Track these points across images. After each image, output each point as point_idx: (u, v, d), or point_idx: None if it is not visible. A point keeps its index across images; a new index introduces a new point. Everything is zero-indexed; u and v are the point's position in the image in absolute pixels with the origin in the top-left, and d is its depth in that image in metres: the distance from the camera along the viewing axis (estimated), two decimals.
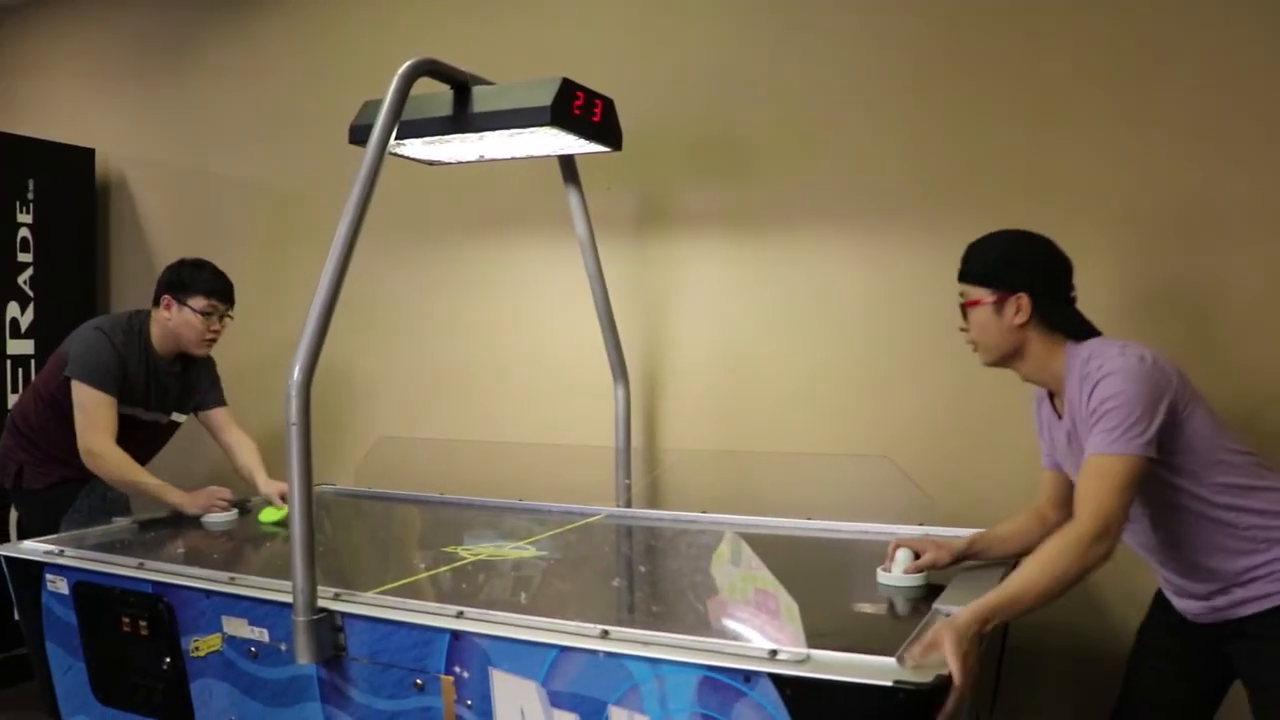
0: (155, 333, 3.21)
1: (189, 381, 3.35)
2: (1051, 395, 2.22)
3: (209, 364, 3.40)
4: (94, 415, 3.04)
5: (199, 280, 3.16)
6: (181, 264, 3.22)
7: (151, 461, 3.34)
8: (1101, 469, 1.94)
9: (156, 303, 3.20)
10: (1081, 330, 2.10)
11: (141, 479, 3.04)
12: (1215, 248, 2.77)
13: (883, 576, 2.26)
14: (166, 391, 3.29)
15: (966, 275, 2.17)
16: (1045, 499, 2.35)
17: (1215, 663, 2.16)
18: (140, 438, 3.24)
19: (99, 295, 4.65)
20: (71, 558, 2.58)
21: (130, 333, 3.18)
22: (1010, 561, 2.33)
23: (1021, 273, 2.10)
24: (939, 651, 1.65)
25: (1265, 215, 2.72)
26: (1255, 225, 2.73)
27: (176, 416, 3.38)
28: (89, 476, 3.10)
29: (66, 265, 4.41)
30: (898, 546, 2.28)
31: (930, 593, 2.17)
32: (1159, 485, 2.02)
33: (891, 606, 2.17)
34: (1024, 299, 2.08)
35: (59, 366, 3.16)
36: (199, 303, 3.15)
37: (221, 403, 3.42)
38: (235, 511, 3.08)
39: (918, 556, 2.25)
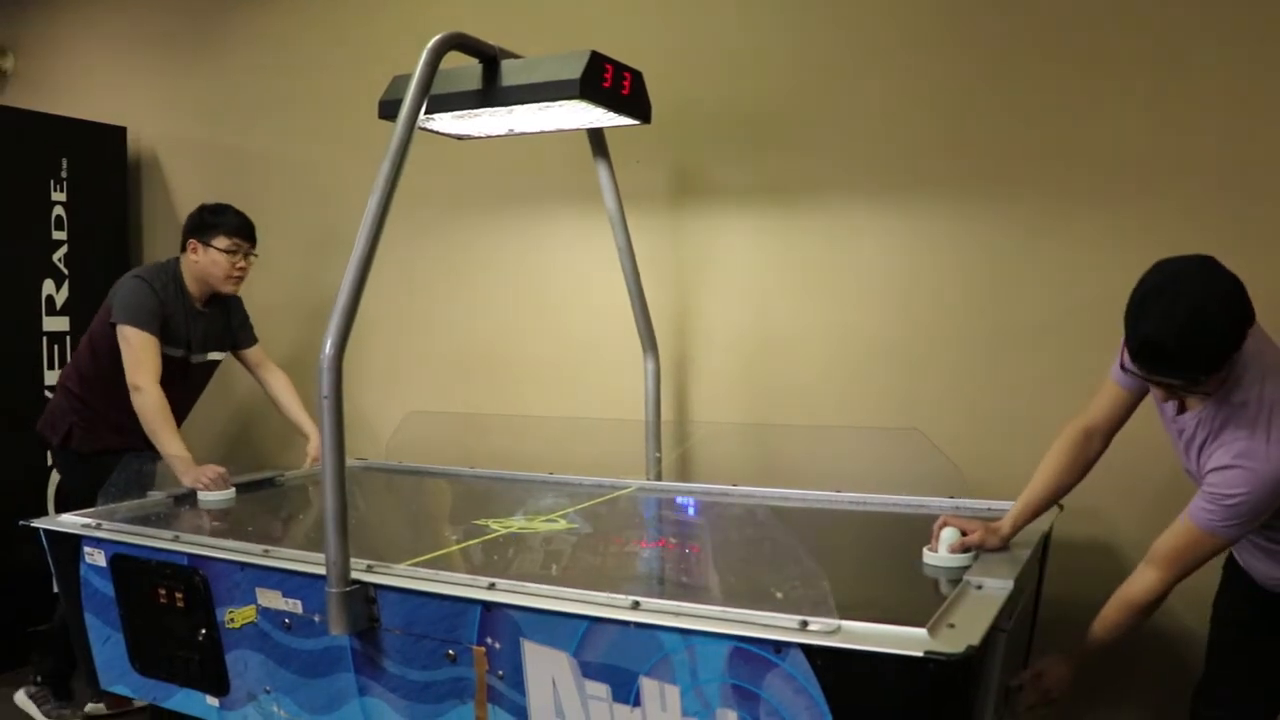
0: (186, 276, 3.36)
1: (223, 321, 3.49)
2: None
3: (238, 304, 3.55)
4: (139, 353, 3.16)
5: (220, 222, 3.32)
6: (202, 209, 3.37)
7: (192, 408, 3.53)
8: (1189, 538, 1.97)
9: (183, 249, 3.35)
10: (1251, 312, 1.91)
11: (163, 434, 3.11)
12: (1258, 202, 2.73)
13: (929, 557, 2.18)
14: (205, 332, 3.41)
15: (1213, 366, 1.87)
16: (1096, 423, 2.24)
17: None
18: (187, 378, 3.41)
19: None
20: (109, 531, 2.62)
21: (166, 278, 3.32)
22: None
23: (1243, 321, 1.87)
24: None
25: None
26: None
27: (214, 355, 3.50)
28: (134, 446, 3.19)
29: (100, 242, 4.45)
30: (943, 525, 2.19)
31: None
32: None
33: (922, 578, 2.15)
34: (1249, 327, 1.89)
35: (105, 319, 3.28)
36: (222, 242, 3.30)
37: (254, 340, 3.60)
38: (232, 491, 3.07)
39: (964, 534, 2.17)
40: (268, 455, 4.05)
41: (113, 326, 3.21)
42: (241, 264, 3.35)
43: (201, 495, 3.03)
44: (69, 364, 3.51)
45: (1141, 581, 2.06)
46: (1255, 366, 1.94)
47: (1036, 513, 2.29)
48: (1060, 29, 2.91)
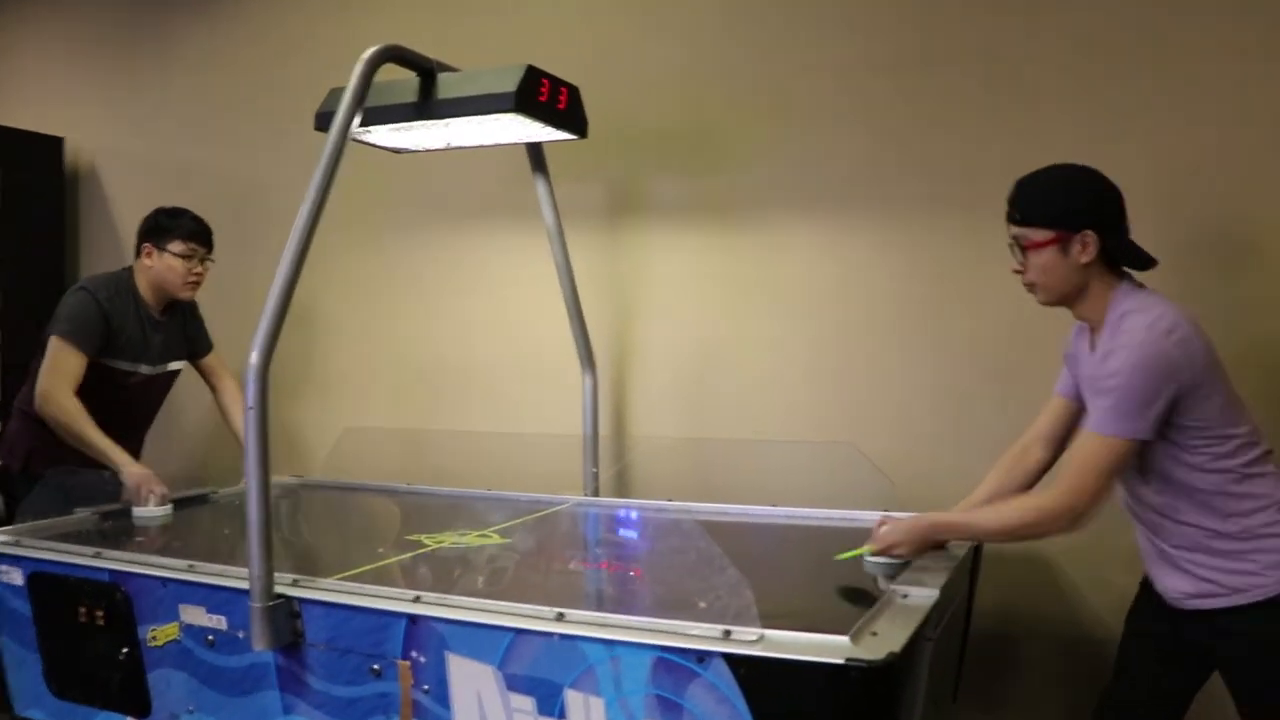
0: (141, 283, 3.28)
1: (180, 329, 3.41)
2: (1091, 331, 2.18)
3: (194, 309, 3.47)
4: (59, 364, 3.07)
5: (176, 226, 3.24)
6: (158, 212, 3.29)
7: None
8: (1089, 447, 2.00)
9: (138, 253, 3.27)
10: (1143, 261, 2.07)
11: (90, 433, 3.02)
12: (1187, 214, 2.78)
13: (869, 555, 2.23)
14: (164, 342, 3.34)
15: (1026, 218, 2.08)
16: (1037, 433, 2.33)
17: (1193, 646, 2.15)
18: (146, 392, 3.34)
19: (69, 285, 4.56)
20: (26, 547, 2.54)
21: (118, 288, 3.24)
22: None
23: (1086, 209, 2.05)
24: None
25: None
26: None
27: (174, 365, 3.42)
28: (97, 461, 3.08)
29: (35, 255, 4.36)
30: (881, 524, 2.24)
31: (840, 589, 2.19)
32: (1157, 450, 2.03)
33: (847, 589, 2.16)
34: (1090, 236, 2.03)
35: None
36: (178, 247, 3.23)
37: (210, 347, 3.53)
38: (169, 508, 2.99)
39: None
40: (216, 471, 3.98)
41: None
42: (198, 269, 3.27)
43: (136, 511, 2.96)
44: (24, 387, 3.37)
45: (1049, 493, 2.06)
46: (1145, 293, 2.08)
47: None
48: (995, 50, 2.96)
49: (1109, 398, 1.97)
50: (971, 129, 2.98)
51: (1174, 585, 2.12)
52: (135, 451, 3.29)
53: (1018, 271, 2.15)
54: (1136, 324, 1.98)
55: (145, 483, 2.98)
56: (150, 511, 2.96)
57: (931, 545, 2.18)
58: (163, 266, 3.23)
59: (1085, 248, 2.04)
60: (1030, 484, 2.33)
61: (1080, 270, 2.06)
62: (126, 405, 3.25)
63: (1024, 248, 2.10)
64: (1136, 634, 2.31)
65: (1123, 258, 2.08)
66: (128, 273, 3.30)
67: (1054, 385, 2.36)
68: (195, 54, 4.34)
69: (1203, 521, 2.03)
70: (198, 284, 3.30)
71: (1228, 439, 2.00)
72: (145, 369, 3.30)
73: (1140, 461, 2.07)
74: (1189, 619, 2.11)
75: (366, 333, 3.97)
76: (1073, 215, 2.04)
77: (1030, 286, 2.14)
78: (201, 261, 3.28)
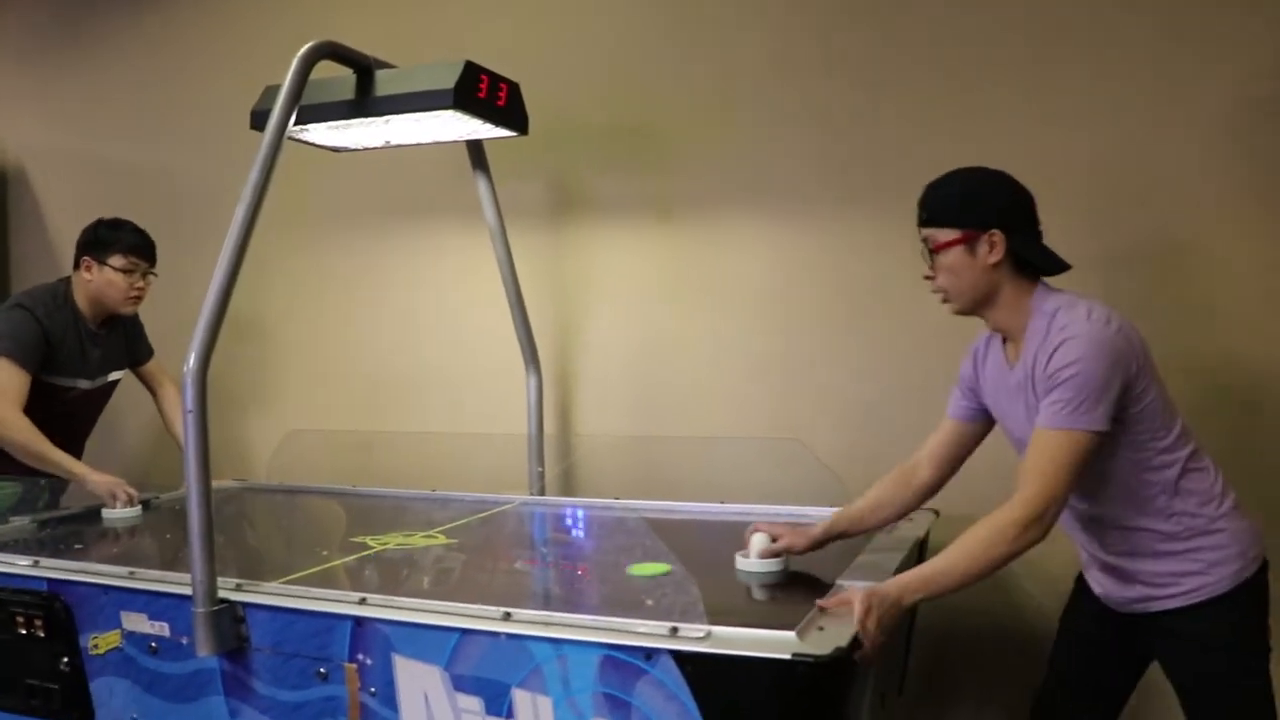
0: (79, 297, 3.19)
1: (121, 340, 3.35)
2: (1004, 341, 2.14)
3: (134, 317, 3.38)
4: (4, 383, 2.98)
5: (117, 239, 3.15)
6: (99, 224, 3.19)
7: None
8: (1049, 445, 1.89)
9: (76, 265, 3.17)
10: (1054, 264, 2.03)
11: (48, 450, 2.97)
12: (1117, 219, 2.83)
13: (740, 563, 2.21)
14: (103, 355, 3.27)
15: (933, 218, 2.04)
16: (926, 453, 2.29)
17: (1133, 646, 2.17)
18: (87, 404, 3.29)
19: None
20: None
21: (56, 302, 3.15)
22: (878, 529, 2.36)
23: (991, 208, 2.01)
24: (848, 609, 1.70)
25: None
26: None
27: (114, 375, 3.35)
28: (36, 473, 3.04)
29: None
30: (754, 531, 2.22)
31: (790, 579, 2.18)
32: (1103, 453, 1.98)
33: (794, 584, 2.16)
34: (997, 235, 1.99)
35: None
36: (119, 261, 3.13)
37: (150, 353, 3.46)
38: (139, 509, 2.99)
39: (776, 540, 2.20)
40: (159, 476, 3.92)
41: None
42: (140, 284, 3.18)
43: (107, 513, 2.95)
44: None
45: (1010, 504, 1.87)
46: (1068, 293, 2.05)
47: (848, 526, 2.30)
48: (935, 45, 2.99)
49: (1066, 389, 1.89)
50: (918, 125, 3.00)
51: (1116, 592, 2.13)
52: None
53: (928, 277, 2.10)
54: (1075, 316, 1.95)
55: (114, 487, 2.97)
56: (122, 513, 2.96)
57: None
58: (103, 281, 3.14)
59: (993, 248, 2.00)
60: (914, 505, 2.32)
61: (988, 272, 2.02)
62: (66, 418, 3.18)
63: (932, 250, 2.06)
64: (1072, 633, 2.32)
65: (1033, 260, 2.04)
66: (64, 285, 3.21)
67: None
68: (129, 48, 4.25)
69: (1147, 524, 2.03)
70: (139, 299, 3.21)
71: (1168, 433, 2.01)
72: (84, 384, 3.23)
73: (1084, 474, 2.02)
74: (1131, 620, 2.13)
75: (310, 338, 3.92)
76: (979, 214, 2.01)
77: (941, 293, 2.10)
78: (144, 276, 3.18)
